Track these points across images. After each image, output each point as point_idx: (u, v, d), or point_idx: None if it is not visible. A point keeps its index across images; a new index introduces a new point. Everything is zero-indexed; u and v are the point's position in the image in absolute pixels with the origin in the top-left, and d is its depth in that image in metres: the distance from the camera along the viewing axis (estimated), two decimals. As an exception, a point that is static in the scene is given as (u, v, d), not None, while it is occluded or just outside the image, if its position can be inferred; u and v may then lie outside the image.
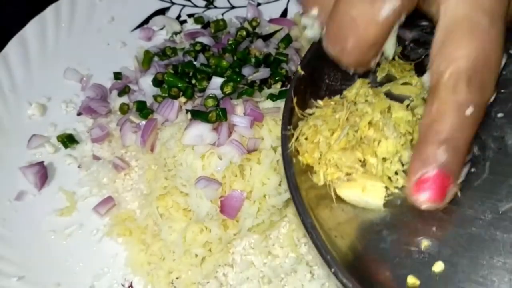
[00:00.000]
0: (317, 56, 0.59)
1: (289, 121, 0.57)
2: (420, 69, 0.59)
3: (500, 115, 0.54)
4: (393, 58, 0.59)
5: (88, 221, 0.86)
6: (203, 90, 0.84)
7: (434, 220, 0.50)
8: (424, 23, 0.64)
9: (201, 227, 0.76)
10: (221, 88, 0.79)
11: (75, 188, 0.88)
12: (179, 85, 0.83)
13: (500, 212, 0.48)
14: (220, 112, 0.74)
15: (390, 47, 0.53)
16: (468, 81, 0.44)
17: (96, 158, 0.89)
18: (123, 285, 0.81)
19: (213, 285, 0.79)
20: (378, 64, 0.58)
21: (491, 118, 0.54)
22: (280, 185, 0.74)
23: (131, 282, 0.81)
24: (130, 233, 0.83)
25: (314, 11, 0.54)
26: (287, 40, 0.94)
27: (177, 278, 0.80)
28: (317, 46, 0.58)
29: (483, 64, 0.45)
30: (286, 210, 0.77)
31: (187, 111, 0.78)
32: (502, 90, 0.54)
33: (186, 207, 0.78)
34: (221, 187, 0.74)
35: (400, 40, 0.60)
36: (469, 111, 0.44)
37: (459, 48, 0.45)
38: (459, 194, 0.49)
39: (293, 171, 0.54)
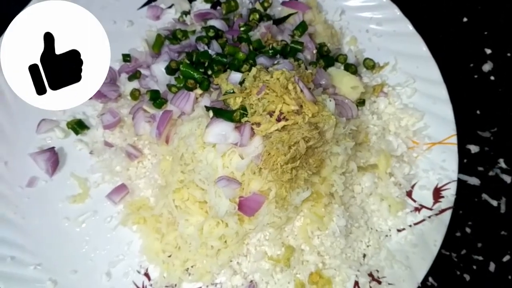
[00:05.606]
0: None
1: None
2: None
3: None
4: None
5: (101, 208, 0.86)
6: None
7: None
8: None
9: (218, 220, 0.76)
10: (240, 84, 0.77)
11: (87, 175, 0.88)
12: (196, 77, 0.81)
13: None
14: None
15: None
16: None
17: (108, 145, 0.88)
18: (138, 272, 0.82)
19: (227, 273, 0.81)
20: None
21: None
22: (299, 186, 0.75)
23: (147, 269, 0.82)
24: (144, 221, 0.84)
25: None
26: (303, 27, 0.91)
27: (192, 266, 0.81)
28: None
29: None
30: (302, 206, 0.79)
31: (207, 108, 0.76)
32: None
33: (202, 200, 0.78)
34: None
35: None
36: None
37: None
38: None
39: None
